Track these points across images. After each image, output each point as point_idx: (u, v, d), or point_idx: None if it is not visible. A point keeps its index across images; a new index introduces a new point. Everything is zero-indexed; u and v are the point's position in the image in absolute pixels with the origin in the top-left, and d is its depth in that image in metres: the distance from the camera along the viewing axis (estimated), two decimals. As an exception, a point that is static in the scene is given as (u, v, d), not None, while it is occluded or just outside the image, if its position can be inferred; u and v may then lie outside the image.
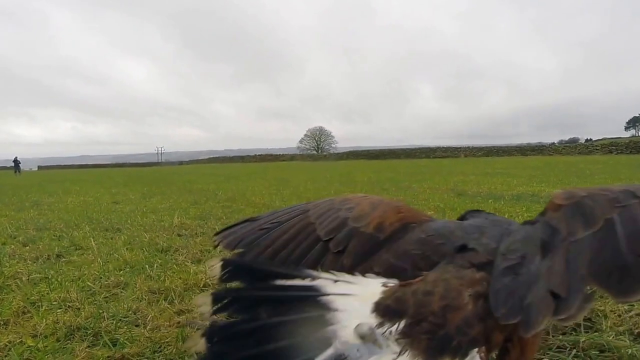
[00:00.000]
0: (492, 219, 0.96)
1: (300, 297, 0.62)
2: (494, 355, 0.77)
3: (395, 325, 0.65)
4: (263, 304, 0.60)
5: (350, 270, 0.81)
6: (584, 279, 0.57)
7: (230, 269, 0.68)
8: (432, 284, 0.73)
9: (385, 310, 0.67)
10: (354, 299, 0.64)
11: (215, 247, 1.07)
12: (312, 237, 0.94)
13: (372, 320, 0.63)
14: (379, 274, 0.80)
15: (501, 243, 0.79)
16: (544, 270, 0.64)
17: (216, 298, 0.61)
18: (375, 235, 0.90)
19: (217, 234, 1.12)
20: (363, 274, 0.77)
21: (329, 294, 0.63)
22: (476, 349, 0.65)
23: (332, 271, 0.70)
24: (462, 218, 1.06)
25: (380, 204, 0.98)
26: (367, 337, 0.58)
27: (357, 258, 0.88)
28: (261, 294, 0.62)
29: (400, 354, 0.60)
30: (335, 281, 0.67)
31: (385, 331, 0.63)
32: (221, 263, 0.69)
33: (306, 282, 0.65)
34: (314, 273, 0.68)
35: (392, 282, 0.72)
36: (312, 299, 0.62)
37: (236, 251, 0.98)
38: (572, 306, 0.56)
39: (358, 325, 0.59)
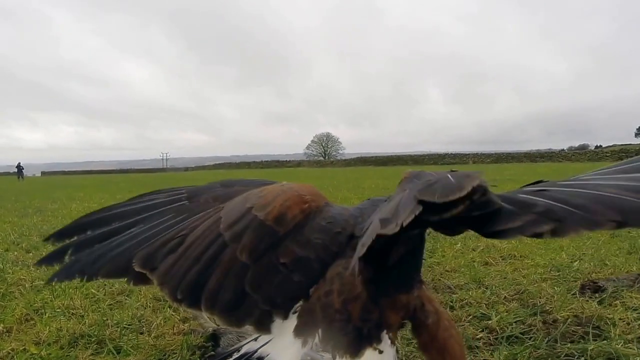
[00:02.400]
0: (373, 199, 0.99)
1: None
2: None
3: (317, 336, 0.68)
4: None
5: (253, 266, 0.84)
6: (414, 196, 0.56)
7: None
8: (329, 282, 0.78)
9: (303, 328, 0.73)
10: (277, 339, 0.77)
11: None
12: (219, 240, 0.89)
13: (297, 344, 0.71)
14: (285, 264, 0.83)
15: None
16: (377, 214, 0.67)
17: None
18: (275, 230, 0.87)
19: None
20: (268, 267, 0.83)
21: (257, 349, 0.78)
22: (385, 331, 0.70)
23: (248, 333, 0.83)
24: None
25: (286, 192, 0.96)
26: None
27: (256, 253, 0.85)
28: None
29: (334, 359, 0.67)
30: (256, 338, 0.81)
31: (312, 346, 0.67)
32: None
33: (236, 356, 0.79)
34: (238, 345, 0.83)
35: (299, 304, 0.79)
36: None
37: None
38: (400, 216, 0.55)
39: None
